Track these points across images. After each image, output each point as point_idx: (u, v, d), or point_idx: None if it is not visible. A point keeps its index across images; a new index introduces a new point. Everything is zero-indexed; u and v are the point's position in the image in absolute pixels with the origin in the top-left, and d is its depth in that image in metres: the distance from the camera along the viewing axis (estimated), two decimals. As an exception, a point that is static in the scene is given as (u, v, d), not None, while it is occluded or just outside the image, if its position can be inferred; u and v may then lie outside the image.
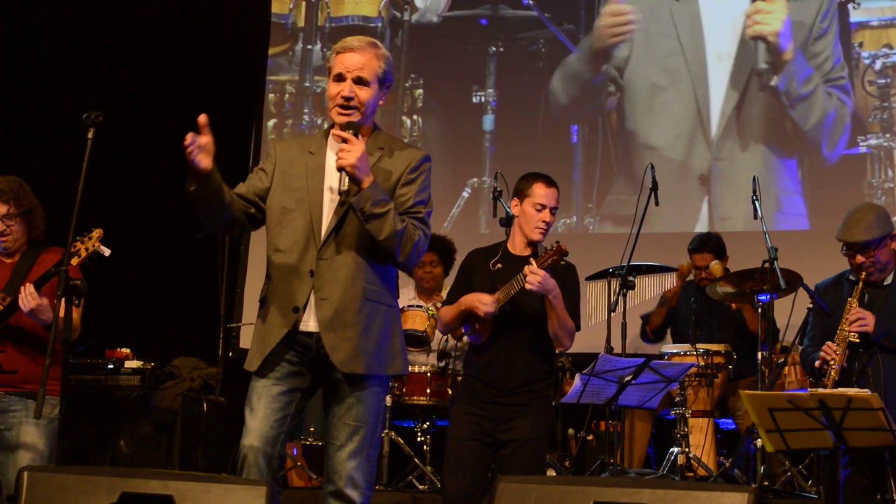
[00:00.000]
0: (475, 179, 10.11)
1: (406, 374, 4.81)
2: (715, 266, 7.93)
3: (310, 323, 4.46)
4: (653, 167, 7.43)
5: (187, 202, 4.43)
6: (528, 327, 5.75)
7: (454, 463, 5.79)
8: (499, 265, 5.83)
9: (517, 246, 5.88)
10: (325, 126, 4.79)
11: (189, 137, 4.28)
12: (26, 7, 10.29)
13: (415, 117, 10.27)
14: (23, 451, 5.61)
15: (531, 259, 5.64)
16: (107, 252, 5.48)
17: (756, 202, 7.13)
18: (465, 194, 10.06)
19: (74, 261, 5.41)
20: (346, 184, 4.35)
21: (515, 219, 5.88)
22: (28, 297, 5.44)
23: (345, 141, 4.38)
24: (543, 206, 5.77)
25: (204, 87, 9.87)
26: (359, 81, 4.52)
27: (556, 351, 5.89)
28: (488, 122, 10.23)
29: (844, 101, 9.51)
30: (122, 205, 9.65)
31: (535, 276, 5.55)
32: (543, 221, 5.78)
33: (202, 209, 4.46)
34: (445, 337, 7.47)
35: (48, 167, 6.63)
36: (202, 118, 4.29)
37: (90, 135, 4.75)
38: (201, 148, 4.30)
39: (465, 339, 6.26)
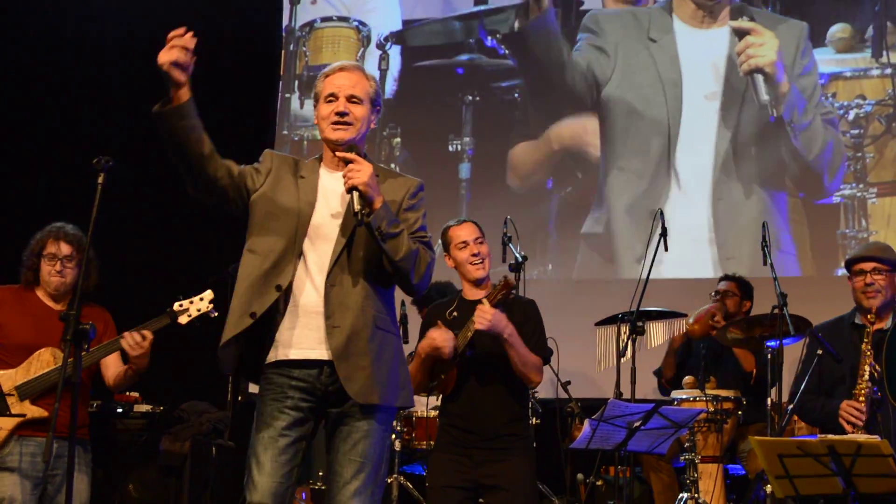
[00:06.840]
0: (451, 226, 10.11)
1: (412, 408, 4.78)
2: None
3: (319, 351, 4.31)
4: (662, 213, 7.42)
5: (157, 130, 4.13)
6: (494, 369, 5.72)
7: None
8: (454, 314, 5.81)
9: (469, 293, 5.89)
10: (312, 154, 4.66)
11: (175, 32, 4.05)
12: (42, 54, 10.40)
13: (392, 165, 10.24)
14: (62, 495, 5.71)
15: (482, 300, 5.63)
16: (214, 314, 5.82)
17: (765, 248, 7.11)
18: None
19: (184, 319, 5.88)
20: (358, 204, 4.16)
21: (458, 269, 5.92)
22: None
23: (349, 162, 4.24)
24: (466, 243, 5.82)
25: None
26: (351, 99, 4.41)
27: (529, 387, 5.89)
28: (464, 170, 10.28)
29: (836, 133, 9.60)
30: (129, 246, 9.67)
31: (483, 315, 5.53)
32: (472, 255, 5.82)
33: (172, 144, 4.19)
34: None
35: (62, 210, 6.67)
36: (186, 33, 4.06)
37: (100, 179, 4.77)
38: (183, 50, 4.04)
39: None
